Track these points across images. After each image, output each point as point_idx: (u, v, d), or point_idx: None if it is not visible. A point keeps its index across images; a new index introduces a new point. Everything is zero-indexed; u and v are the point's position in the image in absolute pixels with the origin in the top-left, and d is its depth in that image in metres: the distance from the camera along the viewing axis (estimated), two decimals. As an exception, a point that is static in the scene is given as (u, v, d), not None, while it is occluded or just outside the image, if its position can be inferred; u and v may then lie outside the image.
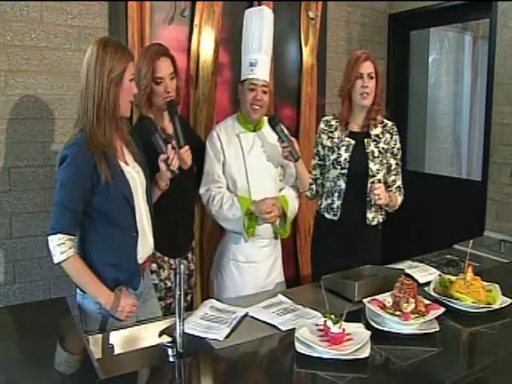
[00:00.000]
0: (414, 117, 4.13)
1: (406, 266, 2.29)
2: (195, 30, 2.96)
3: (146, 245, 1.92)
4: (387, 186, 2.47)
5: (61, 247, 1.71)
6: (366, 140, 2.43)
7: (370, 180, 2.39)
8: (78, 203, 1.75)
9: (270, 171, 2.41)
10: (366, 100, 2.37)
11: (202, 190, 2.38)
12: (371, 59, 2.38)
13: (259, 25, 2.33)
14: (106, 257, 1.81)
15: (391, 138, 2.47)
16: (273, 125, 2.33)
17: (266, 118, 2.42)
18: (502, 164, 3.26)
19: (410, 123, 4.12)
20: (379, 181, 2.39)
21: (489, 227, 3.29)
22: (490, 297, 1.83)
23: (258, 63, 2.30)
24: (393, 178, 2.49)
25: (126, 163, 1.87)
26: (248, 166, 2.35)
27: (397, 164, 2.50)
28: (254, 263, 2.40)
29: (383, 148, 2.44)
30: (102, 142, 1.76)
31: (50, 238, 1.73)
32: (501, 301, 1.82)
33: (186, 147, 2.13)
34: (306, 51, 3.47)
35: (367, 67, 2.36)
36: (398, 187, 2.52)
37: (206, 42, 2.99)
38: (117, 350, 1.72)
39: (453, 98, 4.35)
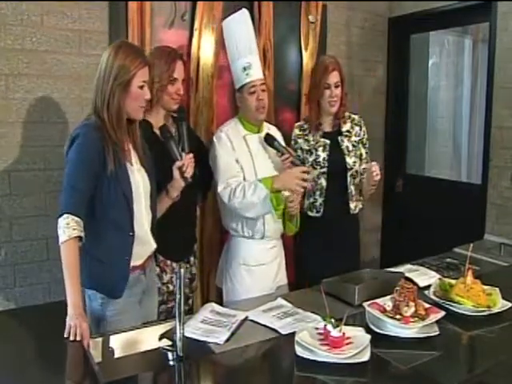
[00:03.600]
0: (413, 120, 4.13)
1: (405, 269, 2.29)
2: (195, 34, 2.97)
3: (146, 247, 1.92)
4: (359, 173, 2.62)
5: (64, 228, 1.64)
6: (339, 138, 2.62)
7: (349, 173, 2.58)
8: (87, 184, 1.71)
9: (277, 171, 2.42)
10: (333, 107, 2.58)
11: (220, 189, 2.28)
12: (337, 68, 2.56)
13: (244, 28, 2.36)
14: (97, 252, 1.80)
15: (360, 129, 2.69)
16: (270, 143, 2.37)
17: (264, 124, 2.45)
18: (502, 167, 3.26)
19: (410, 127, 4.12)
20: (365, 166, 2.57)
21: (489, 230, 3.28)
22: (490, 300, 1.83)
23: (252, 65, 2.32)
24: (364, 165, 2.64)
25: (132, 164, 1.86)
26: (257, 168, 2.35)
27: (366, 153, 2.71)
28: (264, 265, 2.40)
29: (355, 141, 2.65)
30: (112, 137, 1.76)
31: (58, 220, 1.66)
32: (501, 304, 1.82)
33: (191, 155, 2.13)
34: (306, 55, 3.47)
35: (334, 77, 2.54)
36: None
37: (206, 46, 3.00)
38: (117, 354, 1.72)
39: (453, 102, 4.35)
